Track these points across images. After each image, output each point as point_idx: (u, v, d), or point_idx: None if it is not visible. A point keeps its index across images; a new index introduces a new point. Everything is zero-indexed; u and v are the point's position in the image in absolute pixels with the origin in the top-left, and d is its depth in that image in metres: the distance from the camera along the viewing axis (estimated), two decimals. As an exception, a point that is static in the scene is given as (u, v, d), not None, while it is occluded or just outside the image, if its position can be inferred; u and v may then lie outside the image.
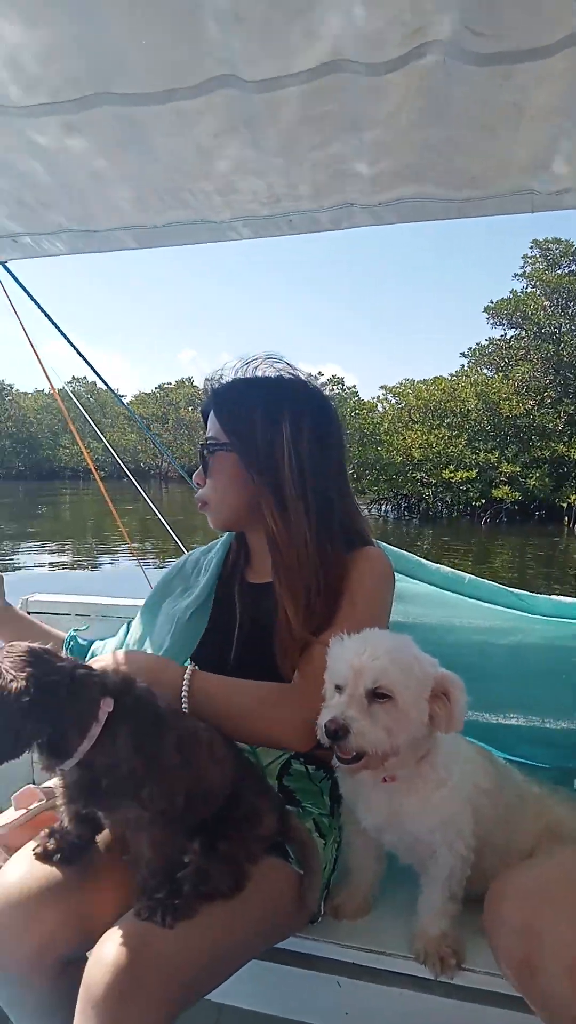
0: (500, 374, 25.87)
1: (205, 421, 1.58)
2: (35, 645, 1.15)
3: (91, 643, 1.83)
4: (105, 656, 1.41)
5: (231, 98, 1.41)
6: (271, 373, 1.56)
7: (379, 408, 28.26)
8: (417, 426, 23.99)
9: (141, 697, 1.20)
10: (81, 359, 2.78)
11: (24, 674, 1.07)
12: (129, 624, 1.80)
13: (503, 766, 1.52)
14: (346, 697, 1.20)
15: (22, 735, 1.05)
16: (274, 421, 1.46)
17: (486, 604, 1.78)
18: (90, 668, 1.17)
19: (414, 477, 22.87)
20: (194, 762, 1.22)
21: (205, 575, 1.65)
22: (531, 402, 23.49)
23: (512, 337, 27.88)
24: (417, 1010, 1.33)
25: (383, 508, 24.80)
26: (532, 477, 22.18)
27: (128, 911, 1.13)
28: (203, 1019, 1.87)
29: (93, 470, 3.44)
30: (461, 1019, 1.31)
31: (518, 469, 22.32)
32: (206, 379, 1.57)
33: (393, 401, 26.67)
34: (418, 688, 1.21)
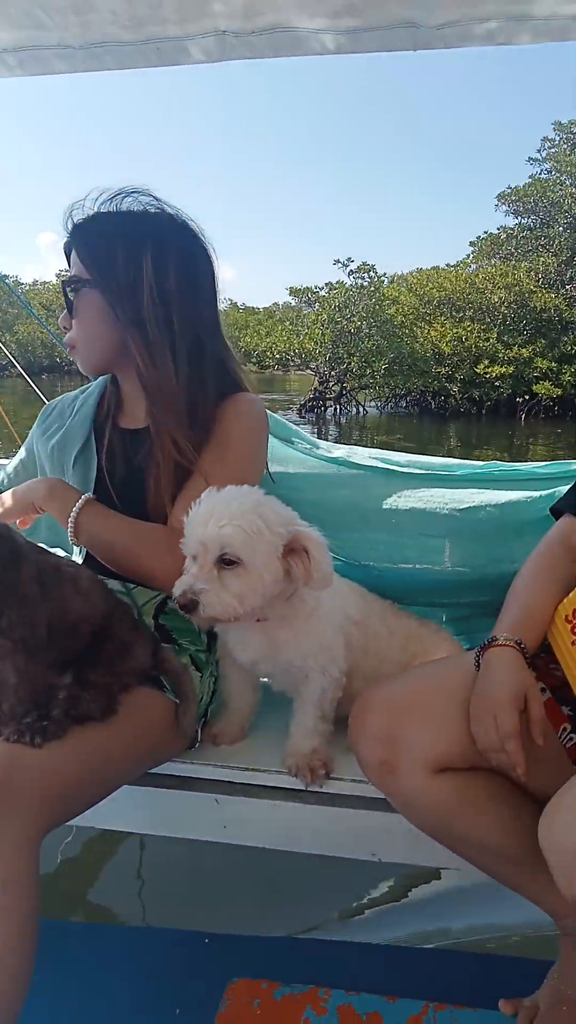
0: (522, 264, 24.02)
1: (68, 258, 1.50)
2: None
3: None
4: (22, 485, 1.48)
5: None
6: (136, 208, 1.48)
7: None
8: (441, 319, 22.53)
9: (-2, 531, 1.18)
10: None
11: None
12: (6, 469, 1.77)
13: (372, 598, 1.58)
14: (196, 567, 1.20)
15: None
16: (136, 255, 1.40)
17: (358, 472, 1.80)
18: None
19: (439, 372, 21.80)
20: (56, 593, 1.21)
21: (79, 415, 1.61)
22: (557, 296, 22.28)
23: (526, 226, 26.06)
24: (289, 817, 1.41)
25: (405, 403, 24.00)
26: (567, 372, 21.28)
27: None
28: (129, 850, 2.00)
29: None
30: (330, 823, 1.40)
31: (553, 364, 21.37)
32: (65, 211, 1.47)
33: (407, 291, 24.21)
34: (268, 549, 1.20)
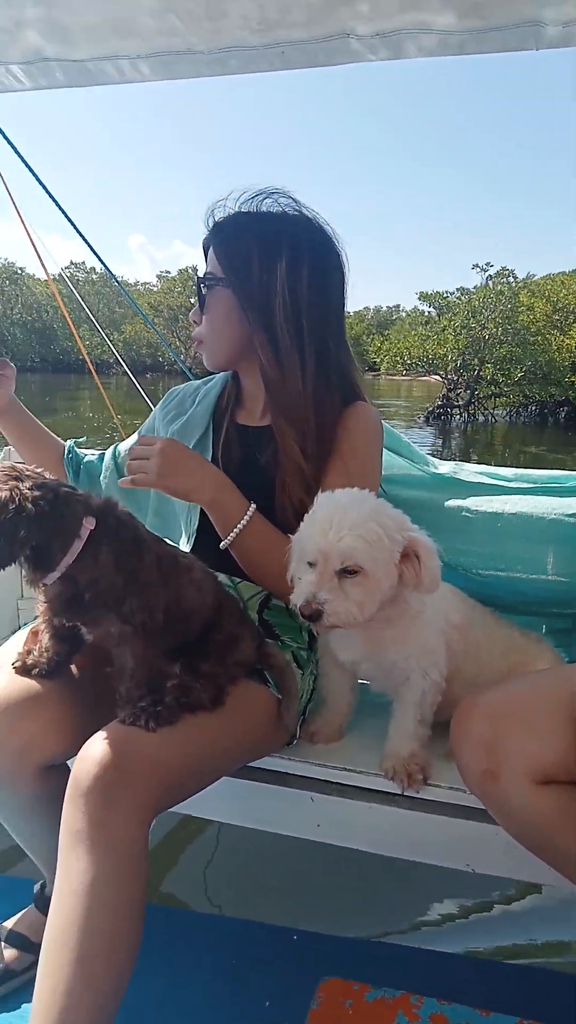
0: None
1: (205, 255, 1.53)
2: (19, 463, 1.16)
3: (87, 456, 1.84)
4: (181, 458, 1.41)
5: None
6: (275, 209, 1.50)
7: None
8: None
9: (123, 519, 1.22)
10: (79, 236, 2.64)
11: (8, 486, 1.08)
12: (116, 450, 1.81)
13: (474, 605, 1.57)
14: (316, 576, 1.22)
15: (16, 541, 1.06)
16: (271, 259, 1.42)
17: (467, 482, 1.79)
18: (72, 487, 1.18)
19: (574, 381, 21.40)
20: (173, 583, 1.25)
21: (202, 404, 1.65)
22: None
23: None
24: (383, 821, 1.41)
25: (533, 411, 23.50)
26: None
27: (108, 723, 1.18)
28: (203, 835, 2.02)
29: (89, 364, 3.35)
30: (425, 829, 1.39)
31: None
32: (207, 210, 1.51)
33: (539, 298, 23.49)
34: (387, 556, 1.22)
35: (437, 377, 23.20)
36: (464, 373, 21.85)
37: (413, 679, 1.38)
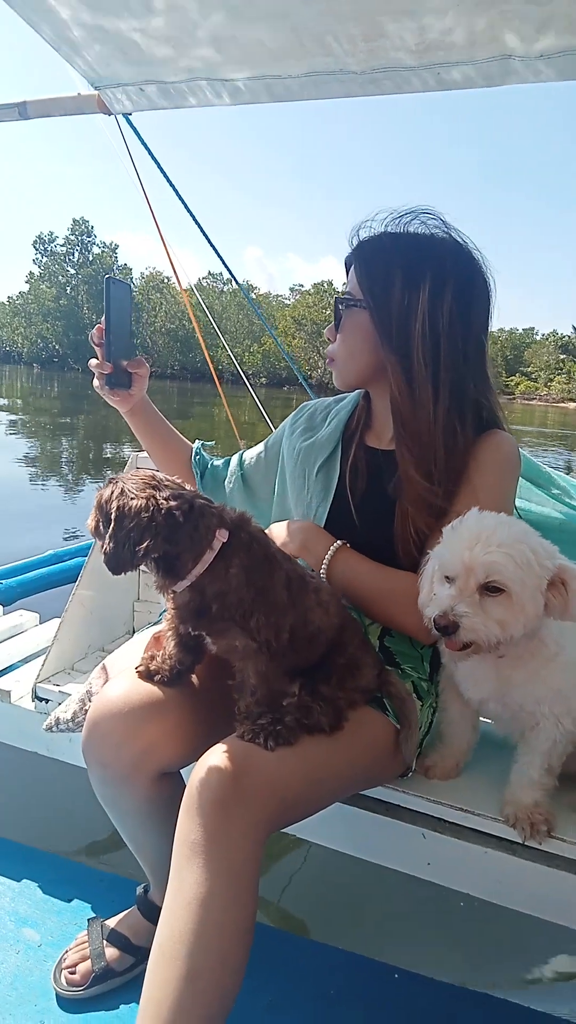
0: None
1: (347, 272, 1.51)
2: (157, 473, 1.18)
3: (214, 460, 1.86)
4: (277, 525, 1.52)
5: None
6: (423, 231, 1.44)
7: None
8: None
9: (255, 534, 1.21)
10: (213, 250, 2.69)
11: (144, 494, 1.10)
12: (242, 457, 1.82)
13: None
14: (456, 590, 1.16)
15: (140, 549, 1.08)
16: (414, 284, 1.37)
17: None
18: (208, 500, 1.19)
19: None
20: (300, 603, 1.23)
21: (332, 424, 1.63)
22: None
23: None
24: (500, 869, 1.34)
25: None
26: None
27: (227, 735, 1.18)
28: (296, 855, 2.01)
29: (214, 374, 3.40)
30: (543, 883, 1.32)
31: None
32: (353, 228, 1.48)
33: None
34: (535, 582, 1.16)
35: None
36: None
37: (544, 725, 1.31)
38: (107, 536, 1.09)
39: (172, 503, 1.12)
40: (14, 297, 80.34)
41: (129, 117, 2.21)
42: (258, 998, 1.39)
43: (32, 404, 21.01)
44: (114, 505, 1.10)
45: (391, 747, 1.32)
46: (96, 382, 1.56)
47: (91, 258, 76.66)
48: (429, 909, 1.79)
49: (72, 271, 76.63)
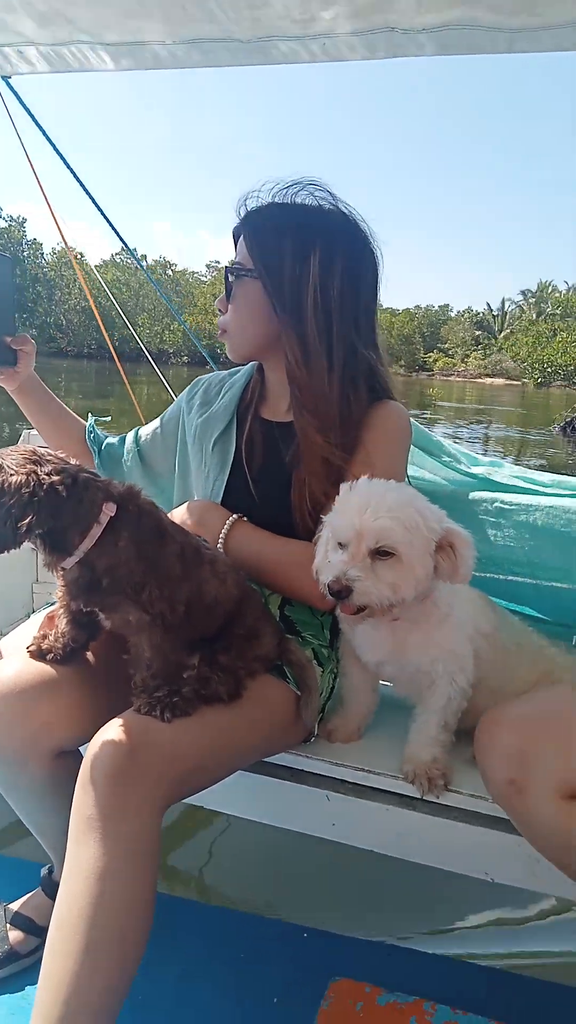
0: None
1: (235, 244, 1.51)
2: (40, 448, 1.15)
3: (109, 438, 1.84)
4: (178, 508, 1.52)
5: None
6: (310, 202, 1.45)
7: None
8: None
9: (144, 507, 1.20)
10: (107, 222, 2.61)
11: (25, 470, 1.08)
12: (137, 433, 1.80)
13: (503, 613, 1.53)
14: (348, 555, 1.19)
15: (21, 525, 1.06)
16: (304, 254, 1.38)
17: (501, 484, 1.75)
18: (94, 473, 1.17)
19: None
20: (195, 574, 1.23)
21: (226, 397, 1.63)
22: None
23: None
24: (401, 825, 1.38)
25: None
26: None
27: (124, 711, 1.17)
28: (216, 827, 2.01)
29: (114, 353, 3.33)
30: (443, 835, 1.36)
31: None
32: (239, 199, 1.48)
33: None
34: (423, 544, 1.19)
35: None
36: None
37: (439, 684, 1.35)
38: None
39: (55, 478, 1.10)
40: None
41: (9, 80, 2.13)
42: (169, 969, 1.40)
43: None
44: None
45: (292, 713, 1.34)
46: None
47: None
48: (336, 869, 1.83)
49: None
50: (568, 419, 21.08)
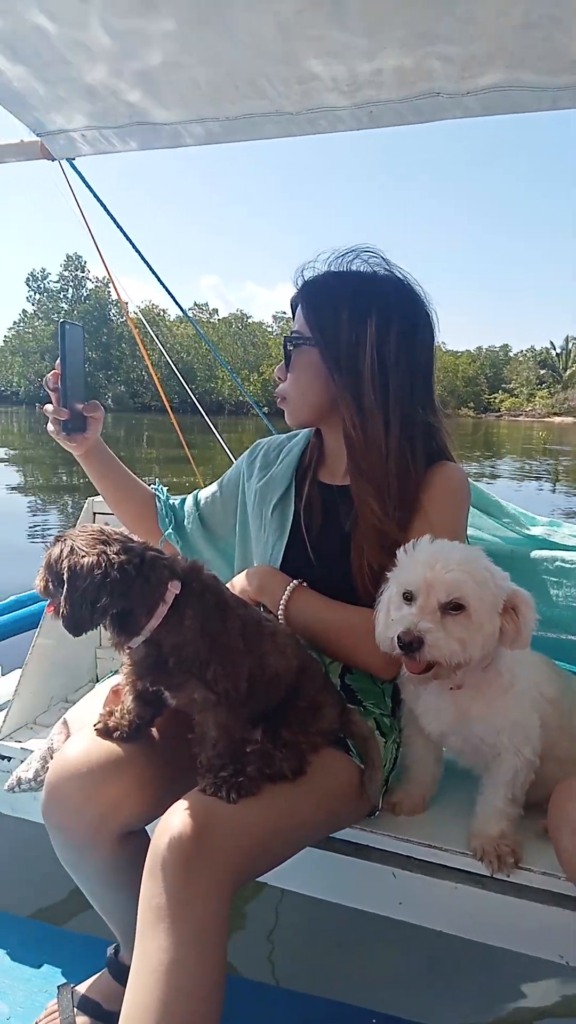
0: None
1: (293, 313, 1.54)
2: (106, 527, 1.17)
3: (173, 500, 1.84)
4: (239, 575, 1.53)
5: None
6: (365, 269, 1.48)
7: None
8: None
9: (207, 583, 1.21)
10: (157, 280, 2.68)
11: (95, 551, 1.09)
12: (197, 497, 1.81)
13: (568, 676, 1.49)
14: (417, 608, 1.18)
15: (98, 607, 1.07)
16: (360, 320, 1.40)
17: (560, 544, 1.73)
18: (159, 551, 1.18)
19: None
20: (257, 649, 1.23)
21: (285, 461, 1.64)
22: None
23: None
24: (470, 904, 1.34)
25: None
26: None
27: (190, 789, 1.16)
28: (267, 902, 1.97)
29: (166, 403, 3.37)
30: (515, 915, 1.32)
31: None
32: (297, 269, 1.51)
33: None
34: (492, 601, 1.18)
35: None
36: None
37: (504, 756, 1.32)
38: (62, 597, 1.07)
39: (123, 557, 1.11)
40: (10, 337, 78.38)
41: (73, 161, 2.21)
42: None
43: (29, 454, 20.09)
44: (65, 564, 1.08)
45: (356, 788, 1.32)
46: (51, 427, 1.55)
47: (85, 294, 76.54)
48: (404, 949, 1.78)
49: (66, 307, 75.93)
50: None
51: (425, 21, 1.50)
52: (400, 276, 1.47)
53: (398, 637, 1.17)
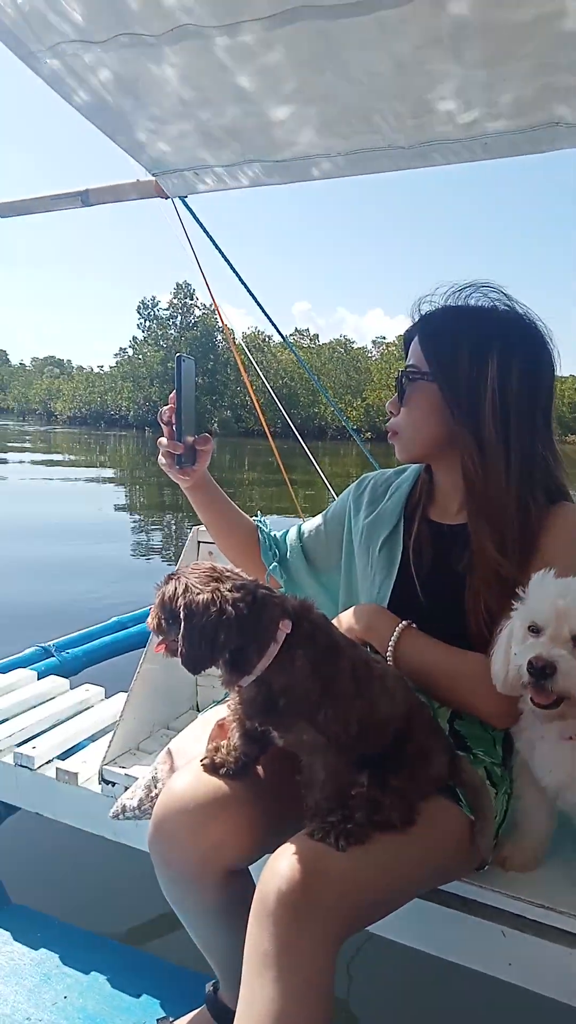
0: None
1: (406, 347, 1.52)
2: (217, 564, 1.17)
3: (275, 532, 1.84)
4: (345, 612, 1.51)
5: (439, 4, 1.32)
6: (484, 304, 1.46)
7: None
8: None
9: (318, 623, 1.20)
10: (260, 310, 2.73)
11: (209, 588, 1.10)
12: (300, 529, 1.79)
13: None
14: (547, 638, 1.14)
15: (216, 645, 1.07)
16: (481, 356, 1.37)
17: None
18: (270, 589, 1.18)
19: None
20: (367, 691, 1.20)
21: (394, 498, 1.62)
22: None
23: None
24: (588, 972, 1.26)
25: None
26: None
27: (294, 831, 1.14)
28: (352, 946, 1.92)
29: (266, 429, 3.41)
30: None
31: None
32: (414, 303, 1.50)
33: None
34: None
35: None
36: None
37: (626, 815, 1.24)
38: (179, 635, 1.08)
39: (236, 595, 1.12)
40: (122, 362, 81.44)
41: (185, 199, 2.28)
42: None
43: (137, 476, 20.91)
44: (181, 602, 1.09)
45: (466, 840, 1.27)
46: (162, 460, 1.57)
47: (193, 321, 78.53)
48: (506, 1010, 1.69)
49: (175, 334, 78.21)
50: None
51: (546, 52, 1.47)
52: (522, 311, 1.43)
53: (529, 663, 1.13)
